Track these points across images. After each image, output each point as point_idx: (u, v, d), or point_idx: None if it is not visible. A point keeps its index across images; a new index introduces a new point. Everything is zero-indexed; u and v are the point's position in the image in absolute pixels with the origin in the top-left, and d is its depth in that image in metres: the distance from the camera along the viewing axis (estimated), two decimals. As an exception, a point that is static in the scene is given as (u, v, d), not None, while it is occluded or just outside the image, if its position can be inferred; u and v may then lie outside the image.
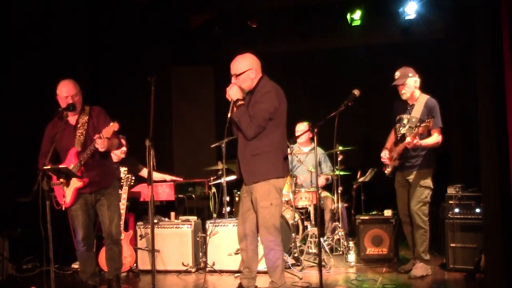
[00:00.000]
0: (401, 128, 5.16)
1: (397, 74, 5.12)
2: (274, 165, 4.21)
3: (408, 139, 4.86)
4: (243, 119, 4.15)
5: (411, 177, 5.08)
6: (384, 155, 5.26)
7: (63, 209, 4.63)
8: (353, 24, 7.92)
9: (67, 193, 4.57)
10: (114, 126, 4.40)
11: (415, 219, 5.02)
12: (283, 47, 8.74)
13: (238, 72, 4.25)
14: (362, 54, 8.35)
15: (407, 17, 7.59)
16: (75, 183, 4.56)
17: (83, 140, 4.56)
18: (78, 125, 4.63)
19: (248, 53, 4.35)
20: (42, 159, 4.49)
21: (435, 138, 4.97)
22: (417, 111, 5.04)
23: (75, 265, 5.78)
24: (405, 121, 5.14)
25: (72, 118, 4.66)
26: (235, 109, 4.22)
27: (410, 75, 5.07)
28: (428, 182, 5.04)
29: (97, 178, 4.61)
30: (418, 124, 4.95)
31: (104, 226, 4.73)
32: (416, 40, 7.89)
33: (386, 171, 5.30)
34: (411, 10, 7.52)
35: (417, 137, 4.83)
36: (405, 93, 5.09)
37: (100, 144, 4.41)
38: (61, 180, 4.50)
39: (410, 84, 5.07)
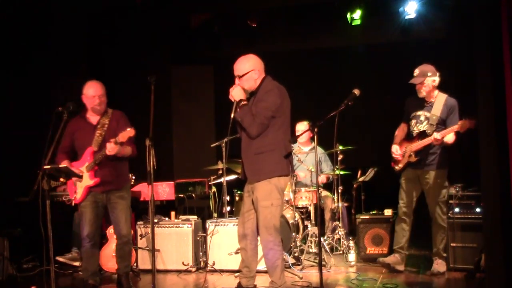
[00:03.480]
0: (418, 125, 5.15)
1: (416, 71, 5.10)
2: (278, 163, 4.22)
3: (437, 136, 4.87)
4: (246, 118, 4.17)
5: (427, 177, 5.08)
6: (396, 151, 5.24)
7: (73, 204, 4.78)
8: (353, 24, 7.92)
9: (78, 190, 4.68)
10: (130, 132, 4.48)
11: (437, 219, 5.09)
12: (283, 46, 8.73)
13: (241, 73, 4.28)
14: (362, 53, 8.35)
15: (407, 17, 7.59)
16: (87, 181, 4.67)
17: (100, 141, 4.68)
18: (98, 126, 4.74)
19: (251, 54, 4.37)
20: (60, 154, 4.68)
21: (452, 137, 4.95)
22: (437, 109, 5.03)
23: (61, 258, 5.75)
24: (422, 118, 5.13)
25: (94, 118, 4.79)
26: (238, 109, 4.24)
27: (429, 74, 5.05)
28: (446, 181, 5.11)
29: (109, 178, 4.70)
30: (437, 122, 4.98)
31: (115, 227, 4.83)
32: (416, 40, 7.88)
33: (397, 167, 5.26)
34: (411, 9, 7.52)
35: (443, 136, 4.88)
36: (422, 92, 5.09)
37: (109, 149, 4.50)
38: (62, 179, 4.53)
39: (428, 83, 5.06)
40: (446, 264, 5.12)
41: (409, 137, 5.23)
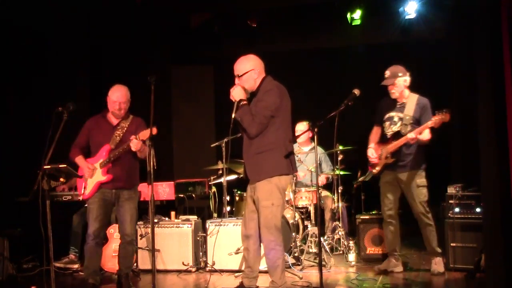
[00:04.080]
0: (392, 126, 5.15)
1: (387, 73, 5.12)
2: (278, 162, 4.23)
3: (412, 135, 4.87)
4: (245, 117, 4.18)
5: (404, 178, 5.07)
6: (372, 154, 5.23)
7: (81, 199, 4.84)
8: (353, 24, 7.92)
9: (88, 185, 4.71)
10: (152, 130, 4.46)
11: (422, 219, 5.06)
12: (283, 46, 8.74)
13: (241, 73, 4.30)
14: (362, 53, 8.35)
15: (407, 17, 7.60)
16: (100, 176, 4.72)
17: (118, 141, 4.76)
18: (118, 127, 4.82)
19: (251, 54, 4.39)
20: (75, 148, 4.78)
21: (428, 134, 4.95)
22: (410, 109, 5.04)
23: (58, 263, 5.71)
24: (395, 119, 5.13)
25: (114, 120, 4.86)
26: (238, 109, 4.26)
27: (400, 74, 5.06)
28: (424, 181, 5.07)
29: (121, 176, 4.76)
30: (411, 122, 4.98)
31: (120, 225, 4.86)
32: (416, 40, 7.88)
33: (374, 170, 5.26)
34: (411, 9, 7.52)
35: (418, 133, 4.86)
36: (395, 93, 5.10)
37: (134, 145, 4.54)
38: (61, 179, 4.54)
39: (399, 84, 5.08)
40: (445, 262, 5.11)
41: (383, 139, 5.22)
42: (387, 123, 5.20)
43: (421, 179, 5.06)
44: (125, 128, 4.83)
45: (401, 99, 5.12)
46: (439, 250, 5.13)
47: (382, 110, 5.27)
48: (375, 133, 5.34)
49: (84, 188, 4.77)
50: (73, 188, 5.91)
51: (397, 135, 5.06)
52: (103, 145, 4.78)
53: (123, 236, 4.84)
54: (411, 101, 5.08)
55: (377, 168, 5.22)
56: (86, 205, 5.01)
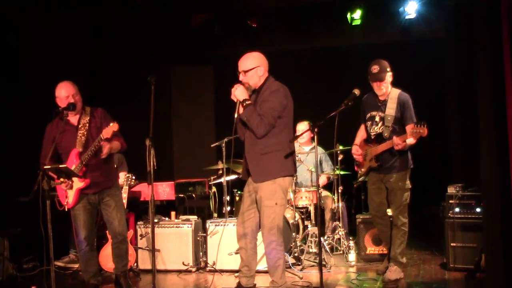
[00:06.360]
0: (374, 127, 4.98)
1: (376, 67, 4.88)
2: (283, 163, 4.23)
3: (398, 141, 4.67)
4: (253, 117, 4.16)
5: (390, 179, 4.91)
6: (357, 151, 5.09)
7: (66, 209, 4.68)
8: (353, 24, 7.93)
9: (69, 194, 4.60)
10: (113, 126, 4.40)
11: (397, 222, 4.91)
12: (283, 46, 8.73)
13: (247, 68, 4.27)
14: (362, 53, 8.35)
15: (407, 17, 7.61)
16: (77, 183, 4.58)
17: (84, 141, 4.59)
18: (80, 126, 4.65)
19: (257, 52, 4.37)
20: (43, 160, 4.51)
21: (413, 139, 4.69)
22: (390, 108, 4.85)
23: (59, 263, 5.72)
24: (377, 119, 4.96)
25: (73, 119, 4.68)
26: (241, 109, 4.23)
27: (388, 70, 4.88)
28: (408, 183, 4.92)
29: (100, 178, 4.65)
30: (393, 123, 4.81)
31: (110, 226, 4.78)
32: (416, 40, 7.89)
33: (360, 171, 5.14)
34: (411, 9, 7.53)
35: (403, 140, 4.67)
36: (383, 89, 4.89)
37: (106, 152, 4.46)
38: (62, 179, 4.50)
39: (387, 79, 4.89)
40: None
41: (369, 138, 5.06)
42: (369, 123, 5.03)
43: (406, 182, 4.90)
44: (88, 124, 4.65)
45: (384, 96, 4.92)
46: (401, 259, 4.95)
47: (364, 109, 5.10)
48: (362, 130, 5.19)
49: (66, 197, 4.62)
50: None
51: (380, 137, 4.90)
52: (71, 149, 4.60)
53: (115, 236, 4.76)
54: (392, 98, 4.87)
55: (363, 170, 5.10)
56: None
